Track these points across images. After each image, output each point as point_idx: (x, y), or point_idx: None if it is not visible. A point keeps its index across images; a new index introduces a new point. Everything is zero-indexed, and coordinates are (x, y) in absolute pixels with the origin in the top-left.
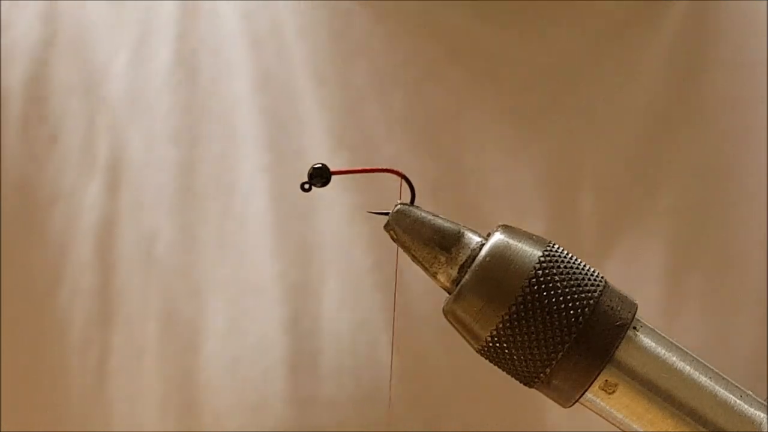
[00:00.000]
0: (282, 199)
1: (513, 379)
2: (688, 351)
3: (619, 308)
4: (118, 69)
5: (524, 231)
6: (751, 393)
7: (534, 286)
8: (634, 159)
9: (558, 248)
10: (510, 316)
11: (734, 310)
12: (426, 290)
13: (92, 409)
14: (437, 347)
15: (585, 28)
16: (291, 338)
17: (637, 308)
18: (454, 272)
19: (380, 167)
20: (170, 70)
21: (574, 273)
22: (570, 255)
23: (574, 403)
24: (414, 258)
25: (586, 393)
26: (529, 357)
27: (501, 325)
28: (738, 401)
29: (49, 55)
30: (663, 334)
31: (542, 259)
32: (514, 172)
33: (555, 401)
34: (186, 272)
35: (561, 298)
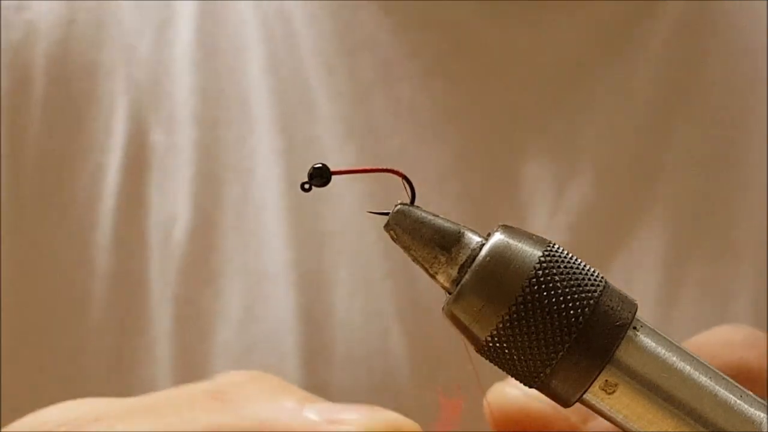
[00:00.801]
0: (295, 187)
1: None
2: (688, 351)
3: (619, 308)
4: (143, 50)
5: (524, 231)
6: (751, 393)
7: (534, 286)
8: (634, 149)
9: (558, 248)
10: (510, 316)
11: (732, 297)
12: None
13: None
14: (449, 336)
15: (587, 23)
16: (304, 327)
17: (637, 308)
18: (454, 272)
19: (381, 167)
20: (191, 51)
21: (574, 273)
22: (570, 255)
23: (574, 403)
24: (414, 258)
25: (586, 393)
26: (529, 357)
27: (501, 325)
28: (738, 401)
29: (71, 35)
30: (663, 334)
31: (542, 259)
32: (519, 164)
33: (555, 401)
34: (204, 258)
35: (561, 298)
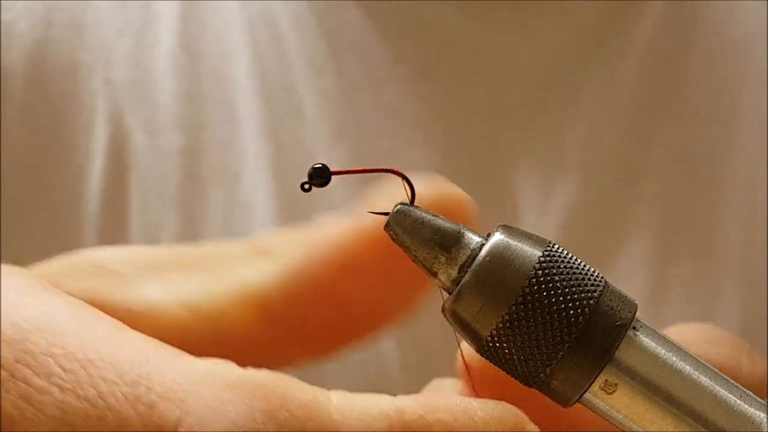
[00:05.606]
0: (284, 190)
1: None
2: (688, 351)
3: (619, 308)
4: (122, 52)
5: (524, 231)
6: (751, 393)
7: (534, 286)
8: (619, 149)
9: (558, 248)
10: (510, 316)
11: (719, 296)
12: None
13: None
14: (439, 339)
15: (571, 24)
16: None
17: (637, 308)
18: (454, 272)
19: (380, 167)
20: (173, 54)
21: (574, 273)
22: (570, 255)
23: (573, 403)
24: (414, 258)
25: (586, 393)
26: (529, 357)
27: (501, 325)
28: (738, 401)
29: (49, 36)
30: (663, 334)
31: (542, 259)
32: (505, 166)
33: (554, 401)
34: None
35: (561, 298)
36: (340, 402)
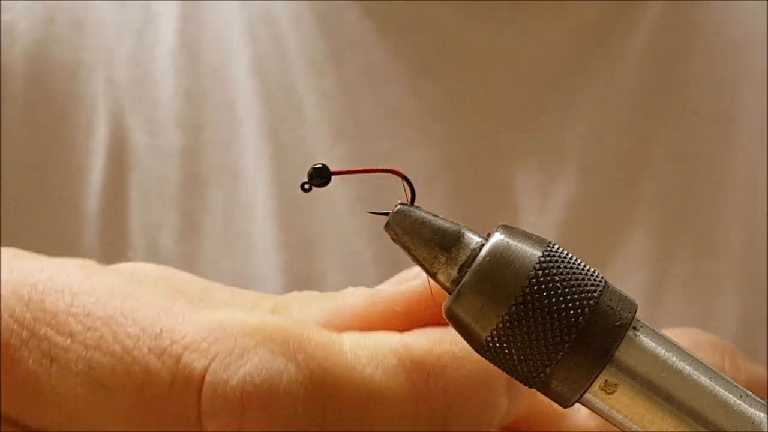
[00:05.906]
0: (284, 189)
1: None
2: (688, 351)
3: (619, 308)
4: (123, 52)
5: (524, 231)
6: (751, 393)
7: (534, 286)
8: (618, 148)
9: (558, 248)
10: (510, 316)
11: (718, 296)
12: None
13: None
14: None
15: (571, 24)
16: None
17: (637, 308)
18: (454, 272)
19: (380, 167)
20: (174, 54)
21: (574, 273)
22: (570, 255)
23: (573, 403)
24: (414, 258)
25: (586, 393)
26: (529, 357)
27: (501, 325)
28: (738, 401)
29: (50, 36)
30: (663, 334)
31: (542, 259)
32: (505, 165)
33: (554, 401)
34: (191, 262)
35: (561, 298)
36: (352, 342)
